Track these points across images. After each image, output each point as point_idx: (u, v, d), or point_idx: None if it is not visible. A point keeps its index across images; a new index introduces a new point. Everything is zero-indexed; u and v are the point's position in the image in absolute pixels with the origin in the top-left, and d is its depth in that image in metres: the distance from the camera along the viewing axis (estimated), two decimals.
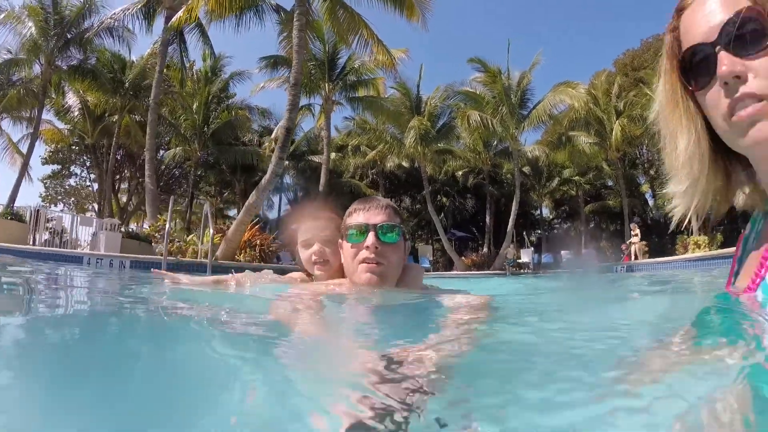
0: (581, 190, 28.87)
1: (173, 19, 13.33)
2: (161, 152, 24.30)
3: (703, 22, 0.74)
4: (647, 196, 32.35)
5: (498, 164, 27.38)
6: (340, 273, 1.67)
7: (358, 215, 1.51)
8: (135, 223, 27.48)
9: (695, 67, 0.75)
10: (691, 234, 15.07)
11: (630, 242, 17.66)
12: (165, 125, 21.76)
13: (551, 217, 36.66)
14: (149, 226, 11.91)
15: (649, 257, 16.96)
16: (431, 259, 26.12)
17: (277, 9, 14.64)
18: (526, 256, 21.09)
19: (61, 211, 29.02)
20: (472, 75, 22.86)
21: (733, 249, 0.94)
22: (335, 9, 12.93)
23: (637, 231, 17.30)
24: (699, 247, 14.53)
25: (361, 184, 26.91)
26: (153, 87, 13.90)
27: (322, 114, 20.85)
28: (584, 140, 22.57)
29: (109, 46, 19.93)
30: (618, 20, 74.08)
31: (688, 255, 14.21)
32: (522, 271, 19.71)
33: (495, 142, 25.21)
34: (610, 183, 30.11)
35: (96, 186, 30.89)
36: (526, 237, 23.42)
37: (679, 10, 0.79)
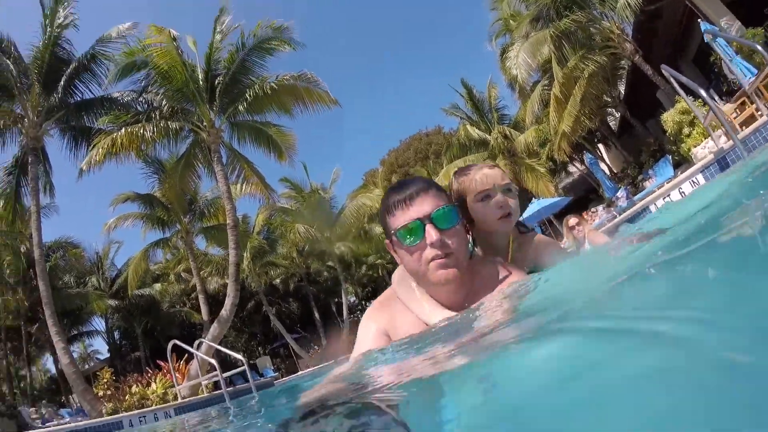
0: (385, 270, 33.36)
1: (84, 163, 12.39)
2: None
3: None
4: None
5: (308, 265, 30.38)
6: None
7: (404, 210, 1.23)
8: None
9: None
10: None
11: None
12: None
13: (358, 300, 40.93)
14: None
15: None
16: (273, 367, 26.67)
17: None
18: None
19: None
20: (282, 191, 26.06)
21: None
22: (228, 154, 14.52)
23: None
24: None
25: (184, 310, 26.05)
26: (33, 232, 11.54)
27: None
28: (378, 231, 27.93)
29: None
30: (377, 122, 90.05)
31: None
32: None
33: (305, 246, 28.22)
34: None
35: None
36: None
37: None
